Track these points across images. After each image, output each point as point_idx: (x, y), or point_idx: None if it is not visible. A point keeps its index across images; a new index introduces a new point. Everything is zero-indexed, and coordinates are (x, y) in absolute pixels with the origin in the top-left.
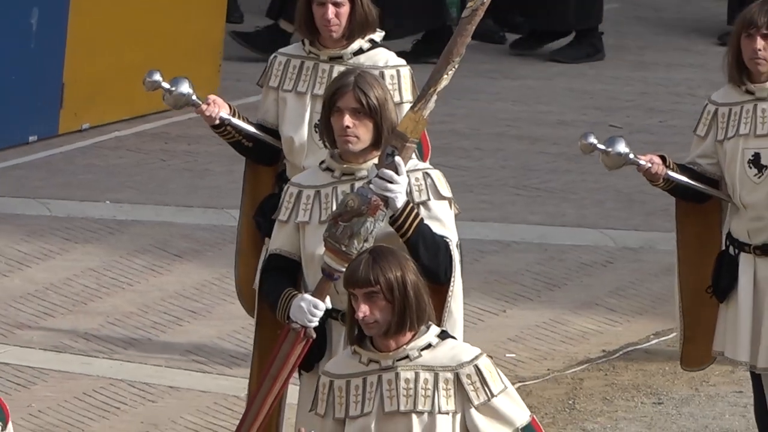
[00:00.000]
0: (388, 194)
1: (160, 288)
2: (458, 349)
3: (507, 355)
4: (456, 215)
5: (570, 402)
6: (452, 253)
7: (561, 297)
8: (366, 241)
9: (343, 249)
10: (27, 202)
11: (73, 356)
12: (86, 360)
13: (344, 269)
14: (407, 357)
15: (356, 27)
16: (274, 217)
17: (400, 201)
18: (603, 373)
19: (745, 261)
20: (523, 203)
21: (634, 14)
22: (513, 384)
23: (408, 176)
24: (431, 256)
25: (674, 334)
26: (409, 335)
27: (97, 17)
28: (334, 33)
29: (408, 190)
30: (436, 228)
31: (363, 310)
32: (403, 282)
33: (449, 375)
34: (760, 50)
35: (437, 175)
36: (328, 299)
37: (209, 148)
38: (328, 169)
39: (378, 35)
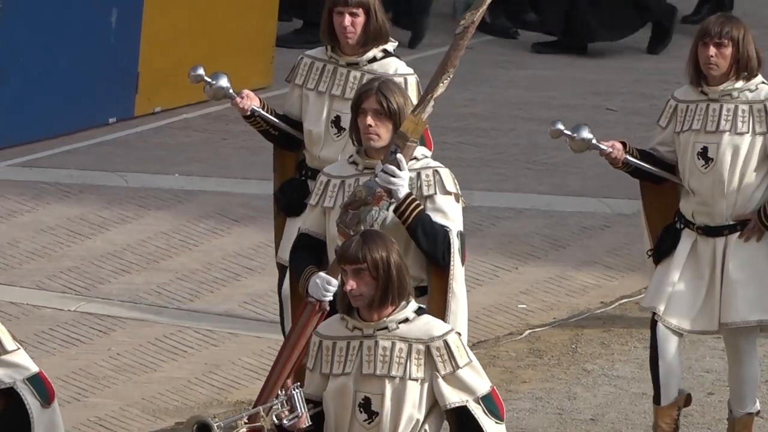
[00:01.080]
0: (391, 186)
1: (221, 248)
2: (431, 325)
3: (519, 305)
4: (464, 208)
5: (573, 347)
6: (451, 240)
7: (565, 256)
8: (371, 226)
9: (352, 233)
10: (107, 175)
11: (146, 307)
12: (158, 310)
13: None
14: (386, 328)
15: (370, 37)
16: (306, 201)
17: (402, 192)
18: (601, 321)
19: (687, 235)
20: (532, 176)
21: None
22: (523, 331)
23: (420, 172)
24: (430, 242)
25: None
26: (390, 309)
27: (167, 16)
28: (350, 39)
29: (418, 184)
30: (439, 218)
31: (350, 284)
32: (388, 262)
33: (421, 347)
34: (712, 56)
35: (445, 173)
36: (337, 278)
37: None
38: (354, 163)
39: (390, 45)
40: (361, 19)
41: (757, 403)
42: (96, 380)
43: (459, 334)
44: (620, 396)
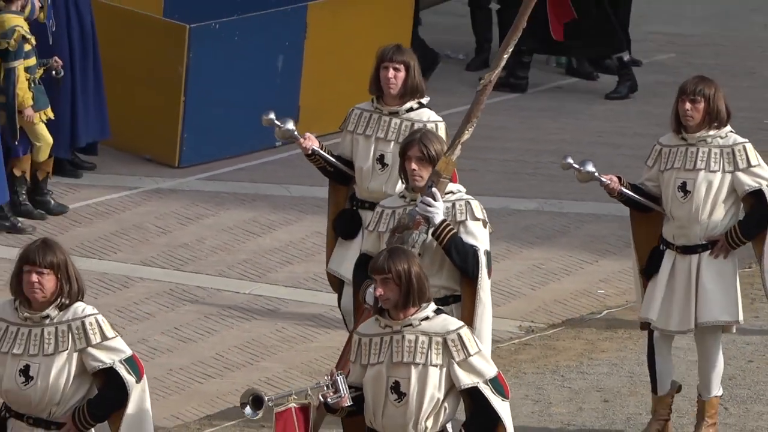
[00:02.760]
0: (428, 214)
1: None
2: (447, 321)
3: (599, 291)
4: (491, 233)
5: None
6: (479, 257)
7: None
8: (413, 247)
9: None
10: (274, 187)
11: (305, 291)
12: (315, 293)
13: None
14: (411, 325)
15: (408, 90)
16: (365, 227)
17: (438, 219)
18: None
19: (669, 255)
20: None
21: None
22: (602, 311)
23: (455, 203)
24: (461, 259)
25: None
26: (413, 310)
27: (321, 62)
28: (392, 90)
29: (453, 212)
30: (470, 240)
31: (379, 290)
32: (409, 272)
33: (439, 339)
34: (688, 110)
35: (475, 204)
36: None
37: None
38: (403, 197)
39: (425, 99)
40: (402, 74)
41: (721, 389)
42: (265, 348)
43: (470, 328)
44: (678, 362)
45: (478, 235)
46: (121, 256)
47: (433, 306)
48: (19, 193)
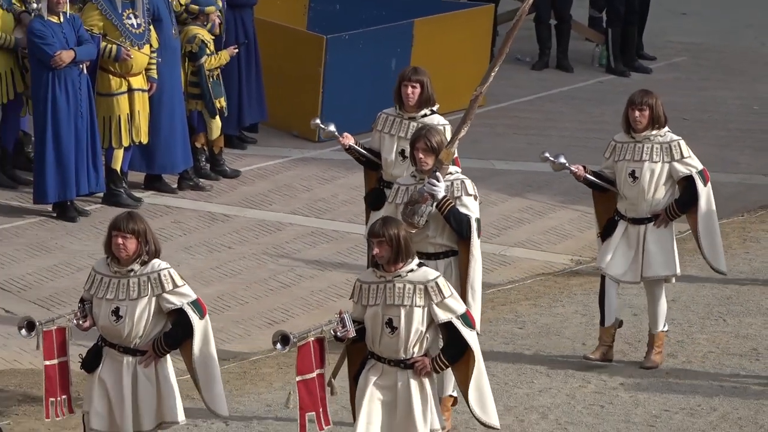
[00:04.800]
0: (433, 191)
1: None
2: (427, 273)
3: None
4: (480, 203)
5: None
6: (471, 224)
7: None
8: (421, 217)
9: (410, 221)
10: None
11: None
12: None
13: (412, 231)
14: (399, 275)
15: (423, 102)
16: (387, 200)
17: (440, 195)
18: None
19: (621, 224)
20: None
21: (696, 63)
22: None
23: (453, 182)
24: (458, 225)
25: None
26: (401, 264)
27: (424, 63)
28: (410, 102)
29: (452, 189)
30: (464, 210)
31: (375, 250)
32: (398, 236)
33: (421, 286)
34: (636, 117)
35: (468, 182)
36: None
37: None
38: (413, 176)
39: (435, 107)
40: (418, 90)
41: (666, 325)
42: None
43: (444, 278)
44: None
45: (471, 207)
46: (276, 207)
47: (416, 261)
48: (200, 160)
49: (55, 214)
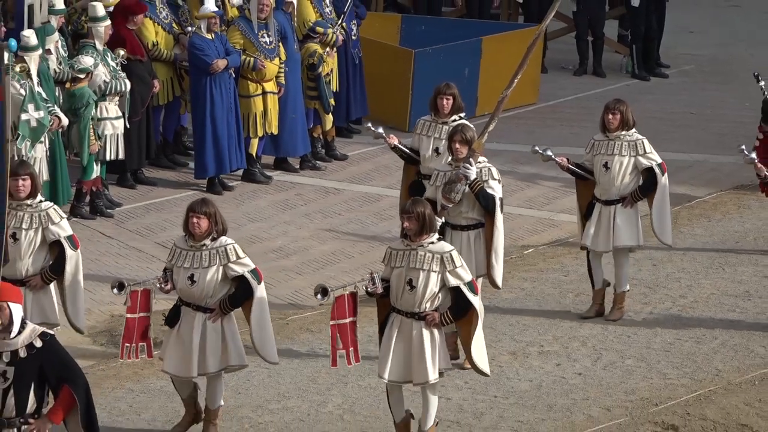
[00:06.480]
0: (467, 174)
1: None
2: (444, 246)
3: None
4: (502, 185)
5: None
6: (496, 201)
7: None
8: (457, 194)
9: (447, 197)
10: None
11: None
12: None
13: (449, 205)
14: (422, 245)
15: (454, 110)
16: (429, 183)
17: (472, 177)
18: None
19: (597, 206)
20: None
21: (701, 70)
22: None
23: (481, 168)
24: (486, 202)
25: None
26: (425, 236)
27: (490, 71)
28: (445, 110)
29: (481, 174)
30: (490, 191)
31: (405, 224)
32: (424, 213)
33: (438, 256)
34: (610, 119)
35: (494, 169)
36: (442, 219)
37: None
38: (450, 164)
39: (463, 114)
40: (450, 101)
41: (628, 286)
42: None
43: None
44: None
45: (496, 188)
46: (375, 182)
47: (436, 235)
48: (317, 146)
49: (205, 188)
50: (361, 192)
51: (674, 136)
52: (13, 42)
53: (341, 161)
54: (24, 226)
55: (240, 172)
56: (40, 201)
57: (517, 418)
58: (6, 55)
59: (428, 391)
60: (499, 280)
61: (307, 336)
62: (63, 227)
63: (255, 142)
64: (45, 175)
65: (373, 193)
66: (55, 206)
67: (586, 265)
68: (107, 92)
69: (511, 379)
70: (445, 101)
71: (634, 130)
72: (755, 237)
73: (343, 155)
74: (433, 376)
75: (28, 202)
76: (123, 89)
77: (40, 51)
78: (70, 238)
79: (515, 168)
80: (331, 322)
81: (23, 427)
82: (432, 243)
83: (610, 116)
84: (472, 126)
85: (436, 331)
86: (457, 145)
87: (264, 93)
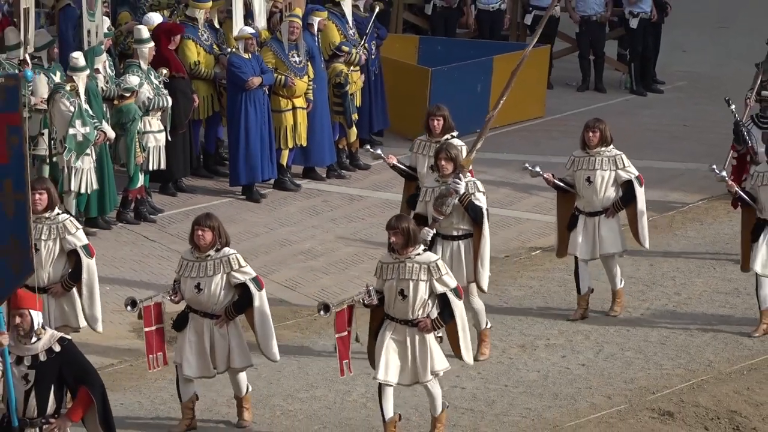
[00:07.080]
0: (457, 188)
1: None
2: (429, 256)
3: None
4: (487, 199)
5: None
6: (483, 212)
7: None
8: (448, 207)
9: (439, 210)
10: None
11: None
12: None
13: (440, 218)
14: (409, 257)
15: (446, 129)
16: (419, 200)
17: (461, 190)
18: None
19: (581, 218)
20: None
21: (694, 86)
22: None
23: (468, 183)
24: (474, 213)
25: None
26: (411, 249)
27: (501, 87)
28: (436, 131)
29: (468, 188)
30: (477, 203)
31: (392, 239)
32: (408, 228)
33: (425, 266)
34: (591, 137)
35: (479, 183)
36: (433, 230)
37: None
38: (437, 180)
39: (455, 133)
40: (441, 122)
41: (622, 282)
42: None
43: (442, 261)
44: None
45: (482, 200)
46: (396, 190)
47: (422, 246)
48: (342, 157)
49: (244, 197)
50: (383, 199)
51: (669, 147)
52: (29, 72)
53: (364, 170)
54: (44, 237)
55: (272, 181)
56: (58, 213)
57: (525, 406)
58: (22, 84)
59: (428, 385)
60: (484, 285)
61: (333, 331)
62: (79, 237)
63: (286, 153)
64: (94, 185)
65: (393, 199)
66: (72, 218)
67: (573, 272)
68: (150, 108)
69: (520, 370)
70: (436, 122)
71: (612, 146)
72: None
73: (366, 165)
74: (427, 377)
75: (46, 214)
76: (165, 105)
77: (88, 71)
78: (85, 247)
79: (524, 176)
80: (336, 335)
81: (44, 426)
82: (418, 254)
83: (591, 134)
84: (457, 144)
85: (427, 336)
86: (443, 162)
87: (294, 108)
